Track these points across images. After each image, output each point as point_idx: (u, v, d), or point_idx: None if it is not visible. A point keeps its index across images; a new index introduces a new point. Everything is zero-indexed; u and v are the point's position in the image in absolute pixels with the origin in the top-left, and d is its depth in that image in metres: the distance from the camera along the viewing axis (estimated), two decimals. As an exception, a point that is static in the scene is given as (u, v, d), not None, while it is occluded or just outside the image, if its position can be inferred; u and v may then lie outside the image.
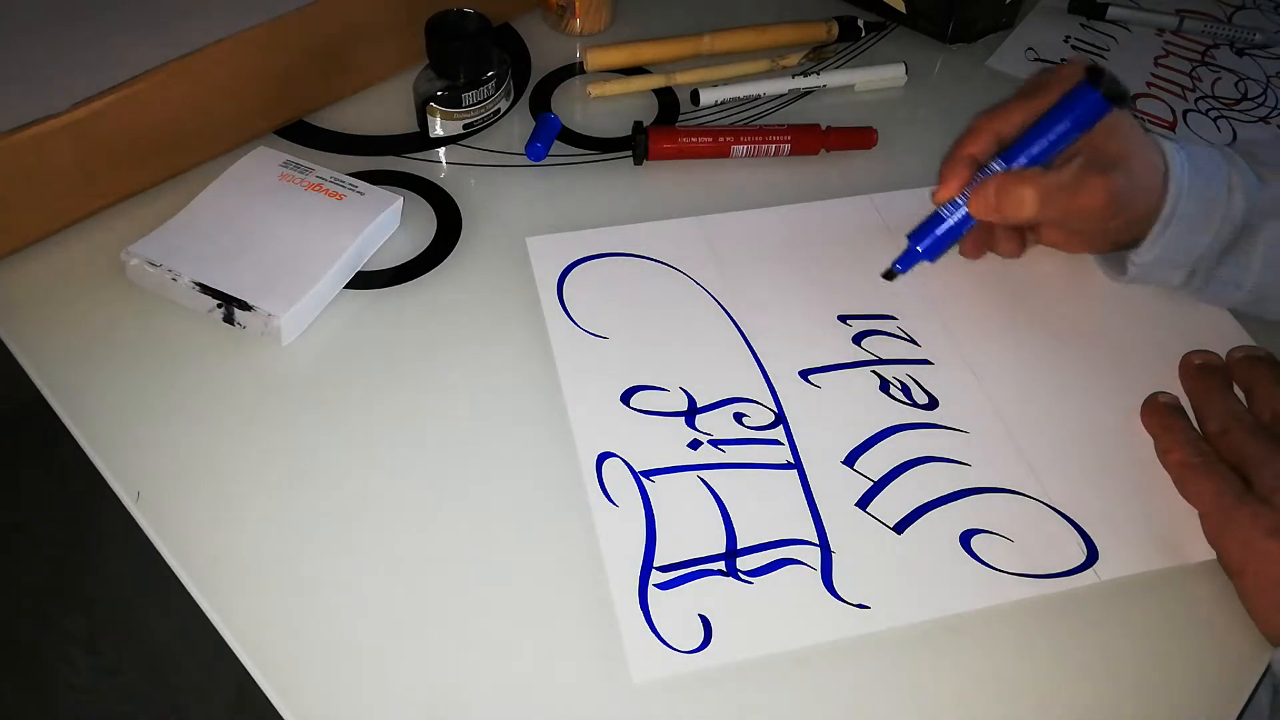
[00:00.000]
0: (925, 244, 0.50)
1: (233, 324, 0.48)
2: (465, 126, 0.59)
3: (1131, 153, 0.47)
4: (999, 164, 0.48)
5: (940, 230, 0.49)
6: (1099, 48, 0.72)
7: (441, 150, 0.60)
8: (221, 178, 0.53)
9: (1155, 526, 0.44)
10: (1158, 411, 0.47)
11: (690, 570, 0.41)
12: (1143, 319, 0.53)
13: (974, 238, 0.51)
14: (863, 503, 0.44)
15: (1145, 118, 0.66)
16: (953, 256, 0.54)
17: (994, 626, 0.41)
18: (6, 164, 0.47)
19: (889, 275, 0.51)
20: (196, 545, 0.41)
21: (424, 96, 0.57)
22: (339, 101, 0.61)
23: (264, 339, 0.48)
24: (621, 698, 0.38)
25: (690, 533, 0.43)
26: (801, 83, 0.65)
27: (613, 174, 0.59)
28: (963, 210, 0.49)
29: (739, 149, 0.59)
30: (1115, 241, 0.51)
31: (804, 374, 0.49)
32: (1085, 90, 0.46)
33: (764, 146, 0.59)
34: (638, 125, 0.59)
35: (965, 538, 0.43)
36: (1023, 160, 0.48)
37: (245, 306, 0.47)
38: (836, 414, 0.47)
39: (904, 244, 0.51)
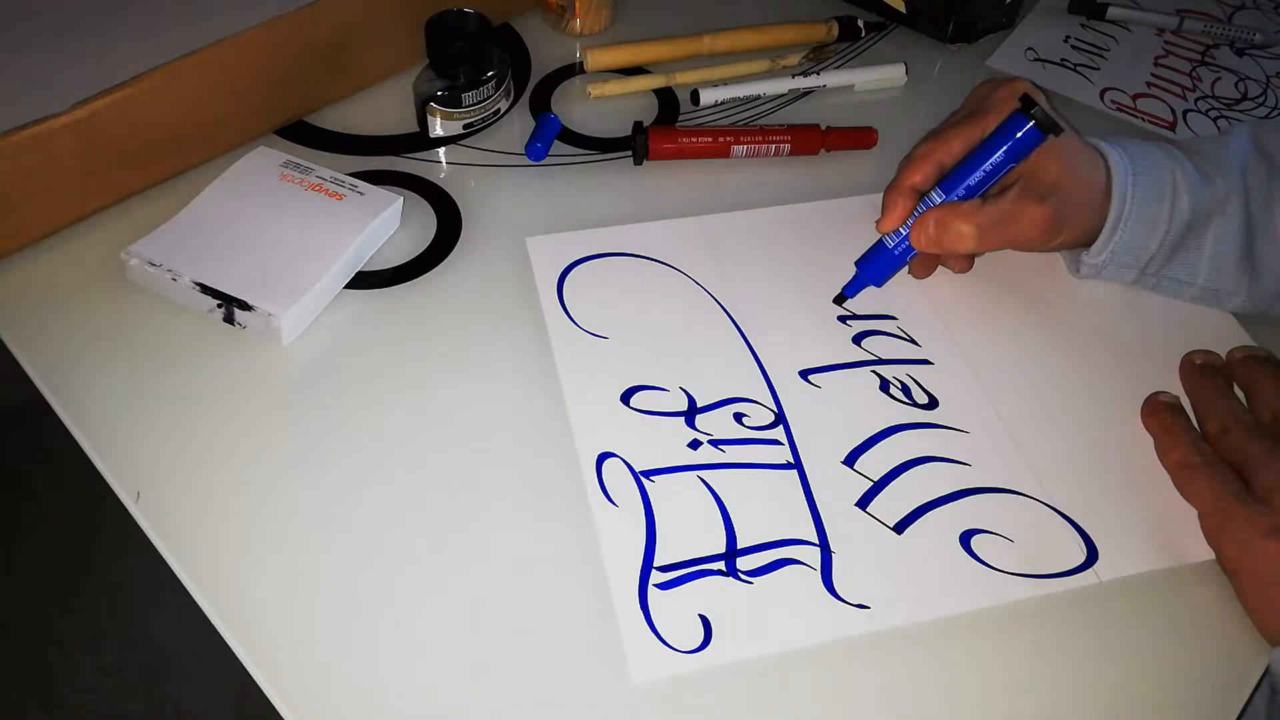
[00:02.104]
0: (871, 271, 0.51)
1: (233, 324, 0.48)
2: (465, 126, 0.59)
3: (1069, 176, 0.48)
4: (939, 194, 0.49)
5: (885, 258, 0.51)
6: (1099, 48, 0.72)
7: (441, 150, 0.60)
8: (221, 178, 0.53)
9: (1155, 526, 0.44)
10: (1158, 411, 0.47)
11: (690, 570, 0.41)
12: (1143, 319, 0.53)
13: (922, 259, 0.52)
14: (863, 503, 0.44)
15: (1145, 118, 0.66)
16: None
17: (994, 626, 0.41)
18: (7, 164, 0.47)
19: (839, 300, 0.52)
20: (196, 545, 0.41)
21: (424, 96, 0.57)
22: (339, 101, 0.61)
23: (264, 339, 0.48)
24: (621, 698, 0.38)
25: (690, 533, 0.43)
26: (801, 83, 0.65)
27: (613, 174, 0.59)
28: (906, 240, 0.50)
29: (739, 149, 0.59)
30: (1068, 247, 0.52)
31: (804, 374, 0.49)
32: (1019, 120, 0.47)
33: (764, 146, 0.59)
34: (638, 125, 0.59)
35: (965, 538, 0.43)
36: (961, 191, 0.48)
37: (245, 306, 0.47)
38: (836, 414, 0.47)
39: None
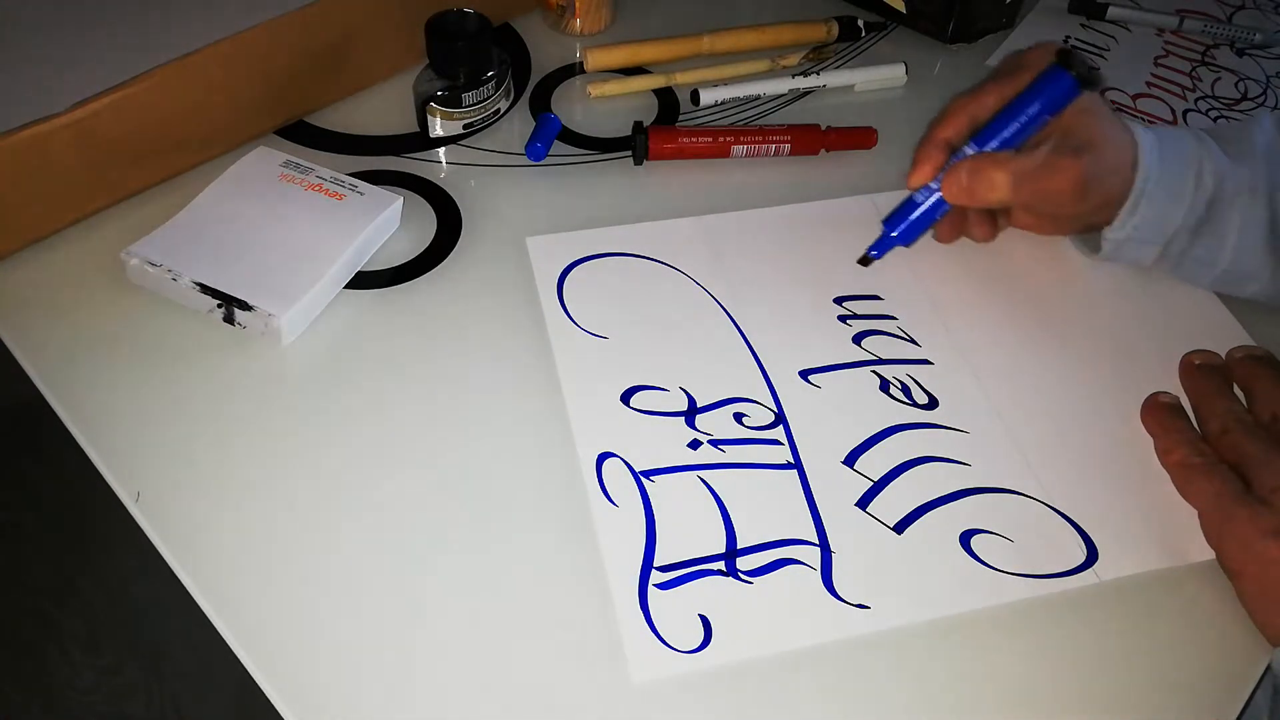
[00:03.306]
0: (900, 229, 0.51)
1: (233, 324, 0.48)
2: (465, 126, 0.59)
3: (1101, 135, 0.48)
4: (972, 147, 0.49)
5: (914, 215, 0.50)
6: (1099, 48, 0.72)
7: (441, 150, 0.60)
8: (221, 178, 0.53)
9: (1155, 526, 0.44)
10: (1158, 411, 0.47)
11: (690, 570, 0.41)
12: (1143, 319, 0.53)
13: (948, 222, 0.52)
14: (863, 503, 0.44)
15: (1146, 118, 0.66)
16: (951, 254, 0.54)
17: (994, 626, 0.41)
18: (7, 164, 0.47)
19: (864, 261, 0.52)
20: (196, 545, 0.41)
21: (424, 96, 0.57)
22: (339, 101, 0.61)
23: (264, 339, 0.48)
24: (621, 698, 0.38)
25: (690, 533, 0.43)
26: (801, 83, 0.65)
27: (613, 174, 0.59)
28: (936, 194, 0.49)
29: (739, 149, 0.59)
30: (1087, 224, 0.52)
31: (804, 374, 0.49)
32: (1057, 73, 0.46)
33: (764, 146, 0.59)
34: (638, 125, 0.59)
35: (965, 538, 0.43)
36: (995, 144, 0.48)
37: (245, 306, 0.47)
38: (836, 414, 0.47)
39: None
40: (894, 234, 0.51)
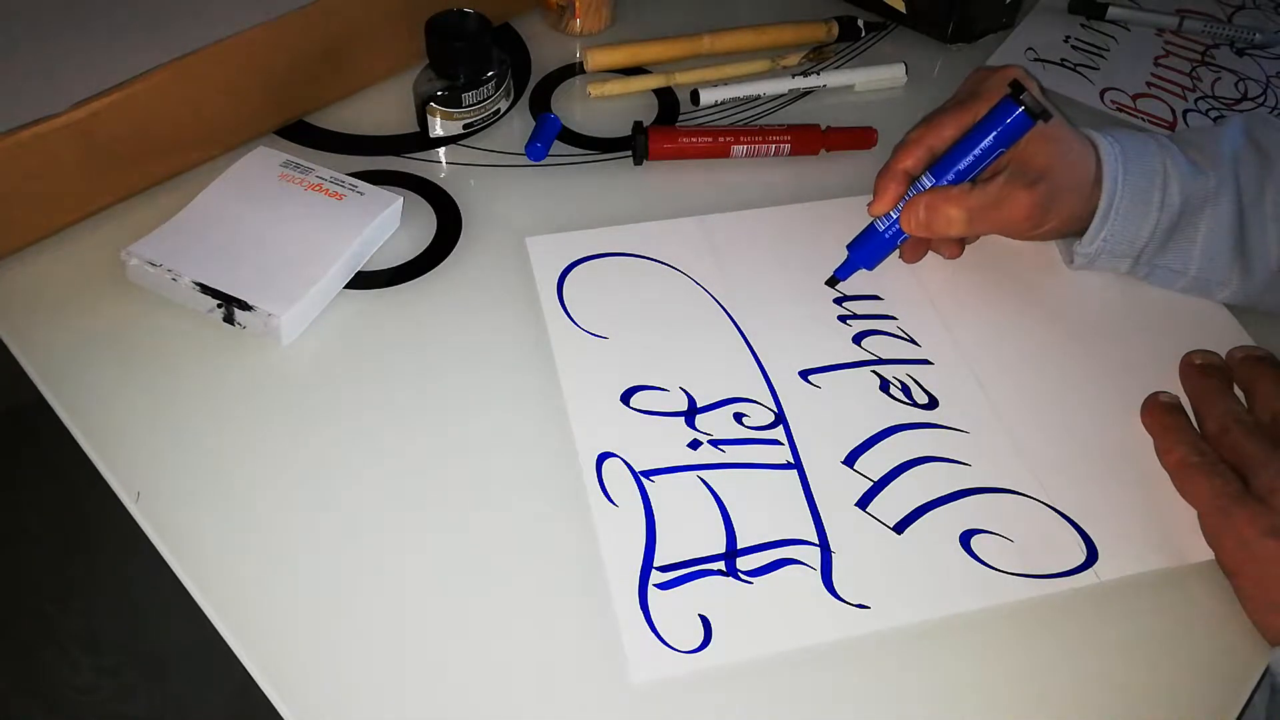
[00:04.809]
0: (862, 254, 0.52)
1: (233, 324, 0.48)
2: (465, 126, 0.59)
3: (1058, 162, 0.48)
4: (929, 178, 0.49)
5: (876, 242, 0.51)
6: (1099, 48, 0.72)
7: (441, 150, 0.60)
8: (221, 178, 0.53)
9: (1155, 526, 0.44)
10: (1157, 411, 0.47)
11: (690, 570, 0.41)
12: (1143, 319, 0.53)
13: (913, 244, 0.52)
14: (863, 503, 0.44)
15: (1145, 118, 0.66)
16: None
17: (994, 626, 0.41)
18: (7, 164, 0.47)
19: (831, 283, 0.53)
20: (196, 545, 0.41)
21: (424, 96, 0.57)
22: (339, 101, 0.61)
23: (264, 339, 0.48)
24: (621, 698, 0.38)
25: (690, 533, 0.43)
26: (801, 83, 0.65)
27: (613, 174, 0.59)
28: (897, 224, 0.50)
29: (739, 149, 0.59)
30: (1056, 235, 0.52)
31: (804, 374, 0.49)
32: (1008, 106, 0.47)
33: (764, 146, 0.59)
34: (638, 125, 0.59)
35: (965, 538, 0.43)
36: (951, 176, 0.49)
37: (245, 306, 0.47)
38: (836, 414, 0.47)
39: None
40: (857, 258, 0.52)
